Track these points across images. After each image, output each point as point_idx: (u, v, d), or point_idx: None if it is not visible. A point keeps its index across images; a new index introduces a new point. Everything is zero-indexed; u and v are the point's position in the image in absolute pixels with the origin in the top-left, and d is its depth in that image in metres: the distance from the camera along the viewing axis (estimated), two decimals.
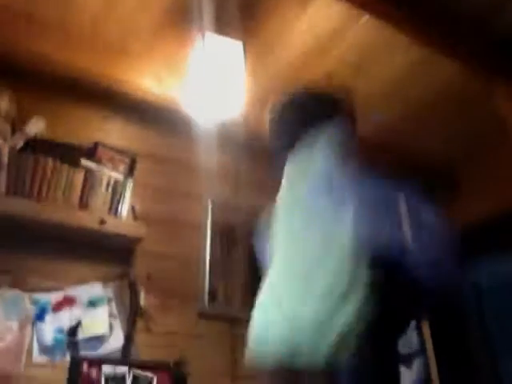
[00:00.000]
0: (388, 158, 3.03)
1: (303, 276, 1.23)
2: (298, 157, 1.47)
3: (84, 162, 2.20)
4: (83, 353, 1.98)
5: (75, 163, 2.17)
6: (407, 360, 2.70)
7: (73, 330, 1.98)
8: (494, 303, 2.88)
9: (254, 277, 2.57)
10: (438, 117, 2.80)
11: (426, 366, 2.71)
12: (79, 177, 2.15)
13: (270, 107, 1.62)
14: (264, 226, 1.53)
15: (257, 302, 1.37)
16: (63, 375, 1.89)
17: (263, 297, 1.36)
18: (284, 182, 1.48)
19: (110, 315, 2.13)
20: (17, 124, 2.12)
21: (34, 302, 1.98)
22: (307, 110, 1.53)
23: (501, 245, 2.80)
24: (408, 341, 2.74)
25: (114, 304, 2.16)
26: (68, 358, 1.95)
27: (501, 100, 2.42)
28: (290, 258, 1.33)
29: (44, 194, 2.05)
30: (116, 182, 2.25)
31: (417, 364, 2.69)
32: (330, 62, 2.43)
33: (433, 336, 2.72)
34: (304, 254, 1.28)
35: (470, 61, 2.36)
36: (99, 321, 2.08)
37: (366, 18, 2.15)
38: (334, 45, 2.33)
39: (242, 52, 2.16)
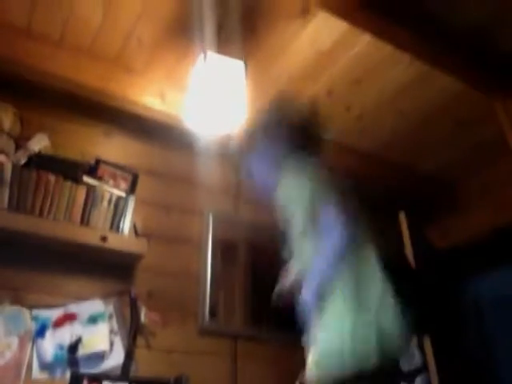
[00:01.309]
0: (387, 173, 3.05)
1: None
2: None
3: (86, 178, 2.22)
4: (83, 369, 1.96)
5: (77, 180, 2.19)
6: (410, 377, 2.68)
7: (73, 347, 1.97)
8: (495, 318, 2.87)
9: (254, 293, 2.58)
10: (437, 132, 2.82)
11: (429, 383, 2.69)
12: (81, 193, 2.16)
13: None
14: None
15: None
16: None
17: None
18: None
19: (111, 331, 2.12)
20: (20, 140, 2.14)
21: (35, 318, 1.99)
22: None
23: (500, 259, 2.80)
24: (410, 358, 2.72)
25: (114, 320, 2.16)
26: (68, 374, 1.93)
27: (500, 115, 2.43)
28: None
29: (46, 210, 2.06)
30: (118, 198, 2.26)
31: (419, 381, 2.67)
32: (329, 78, 2.46)
33: (434, 353, 2.70)
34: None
35: (469, 76, 2.38)
36: (100, 337, 2.08)
37: (365, 34, 2.17)
38: (333, 61, 2.36)
39: (243, 71, 2.18)
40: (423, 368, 2.75)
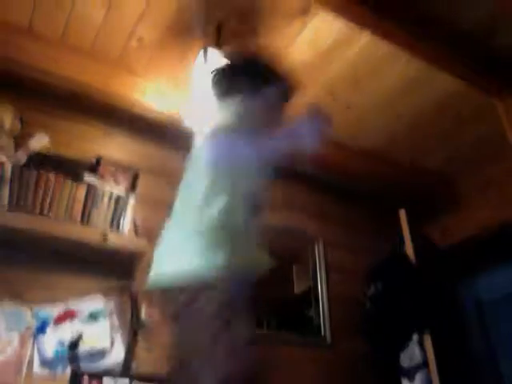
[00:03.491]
0: (387, 171, 3.05)
1: None
2: None
3: (86, 177, 2.23)
4: (84, 366, 1.98)
5: (78, 178, 2.20)
6: (410, 373, 2.68)
7: (74, 344, 1.99)
8: (496, 316, 2.86)
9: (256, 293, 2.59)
10: (437, 129, 2.83)
11: (429, 379, 2.69)
12: (81, 192, 2.18)
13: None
14: None
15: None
16: None
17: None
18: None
19: (111, 329, 2.13)
20: (20, 139, 2.15)
21: (35, 315, 2.00)
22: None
23: (501, 257, 2.80)
24: (410, 354, 2.72)
25: (115, 317, 2.17)
26: (69, 371, 1.95)
27: (499, 112, 2.44)
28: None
29: (46, 209, 2.07)
30: (118, 197, 2.27)
31: (419, 377, 2.68)
32: (329, 76, 2.47)
33: (435, 349, 2.71)
34: None
35: (468, 74, 2.39)
36: (100, 334, 2.09)
37: (365, 32, 2.18)
38: (333, 59, 2.37)
39: None
40: (423, 365, 2.75)
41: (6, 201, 1.97)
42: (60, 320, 2.04)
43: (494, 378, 2.79)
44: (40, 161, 2.13)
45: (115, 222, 2.24)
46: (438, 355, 2.72)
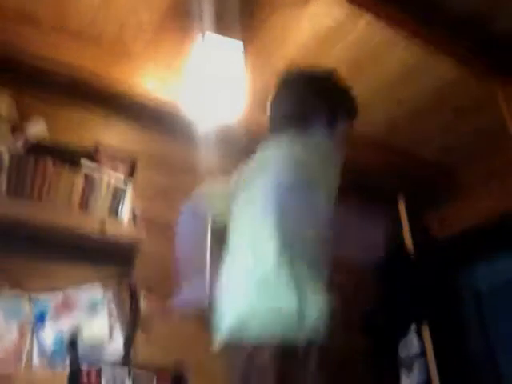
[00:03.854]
0: (386, 160, 3.04)
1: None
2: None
3: (84, 164, 2.20)
4: (83, 356, 1.96)
5: (76, 165, 2.17)
6: (408, 363, 2.69)
7: (72, 334, 1.97)
8: (494, 306, 2.88)
9: None
10: (437, 118, 2.81)
11: (427, 369, 2.70)
12: (79, 179, 2.14)
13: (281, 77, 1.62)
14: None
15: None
16: (63, 379, 1.88)
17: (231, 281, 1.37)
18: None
19: (110, 319, 2.12)
20: (17, 126, 2.12)
21: (34, 305, 1.98)
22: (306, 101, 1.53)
23: (500, 247, 2.81)
24: (408, 344, 2.73)
25: (113, 308, 2.15)
26: (67, 361, 1.94)
27: (500, 101, 2.42)
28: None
29: (44, 197, 2.04)
30: (116, 185, 2.24)
31: (417, 367, 2.69)
32: (329, 60, 2.43)
33: (433, 339, 2.72)
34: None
35: (469, 61, 2.37)
36: (99, 325, 2.07)
37: (365, 17, 2.16)
38: (333, 44, 2.34)
39: (242, 51, 2.16)
40: (421, 354, 2.76)
41: (3, 188, 1.94)
42: (59, 310, 2.01)
43: (491, 368, 2.81)
44: (38, 148, 2.09)
45: (113, 210, 2.21)
46: (436, 345, 2.73)
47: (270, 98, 1.61)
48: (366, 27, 2.22)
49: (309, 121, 1.50)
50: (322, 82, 1.62)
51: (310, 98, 1.55)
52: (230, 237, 1.45)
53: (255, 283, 1.26)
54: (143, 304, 2.21)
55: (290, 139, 1.45)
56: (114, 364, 2.02)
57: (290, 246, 1.26)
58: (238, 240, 1.41)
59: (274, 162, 1.42)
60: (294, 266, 1.23)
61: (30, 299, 1.98)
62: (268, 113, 1.60)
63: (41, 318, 1.97)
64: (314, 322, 1.18)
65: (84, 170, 2.18)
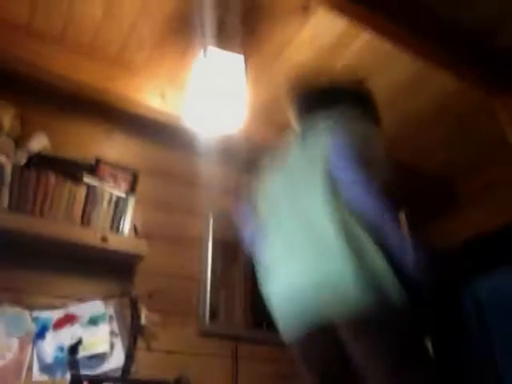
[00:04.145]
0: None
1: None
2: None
3: (86, 178, 2.20)
4: (84, 371, 1.94)
5: (77, 179, 2.17)
6: None
7: (73, 348, 1.95)
8: (496, 317, 2.87)
9: (255, 294, 2.56)
10: (437, 130, 2.82)
11: None
12: (81, 193, 2.15)
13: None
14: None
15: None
16: None
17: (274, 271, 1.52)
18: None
19: (111, 333, 2.11)
20: (20, 140, 2.12)
21: (35, 320, 1.97)
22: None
23: (501, 258, 2.80)
24: None
25: (115, 322, 2.14)
26: (68, 376, 1.91)
27: (500, 113, 2.43)
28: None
29: (46, 210, 2.04)
30: (118, 198, 2.25)
31: None
32: (329, 74, 2.44)
33: (435, 350, 2.70)
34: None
35: (468, 74, 2.38)
36: (100, 339, 2.06)
37: (366, 32, 2.17)
38: (334, 58, 2.34)
39: (243, 65, 2.17)
40: None
41: (5, 202, 1.94)
42: (60, 325, 2.00)
43: (492, 378, 2.79)
44: (40, 162, 2.10)
45: (115, 224, 2.21)
46: (438, 355, 2.71)
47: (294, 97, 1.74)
48: (366, 41, 2.22)
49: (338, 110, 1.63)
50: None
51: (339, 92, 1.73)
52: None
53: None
54: (144, 318, 2.20)
55: (335, 121, 1.57)
56: (115, 379, 2.00)
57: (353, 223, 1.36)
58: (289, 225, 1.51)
59: (331, 139, 1.52)
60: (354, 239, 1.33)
61: (31, 314, 1.97)
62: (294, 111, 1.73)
63: (42, 333, 1.96)
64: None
65: (86, 184, 2.18)
